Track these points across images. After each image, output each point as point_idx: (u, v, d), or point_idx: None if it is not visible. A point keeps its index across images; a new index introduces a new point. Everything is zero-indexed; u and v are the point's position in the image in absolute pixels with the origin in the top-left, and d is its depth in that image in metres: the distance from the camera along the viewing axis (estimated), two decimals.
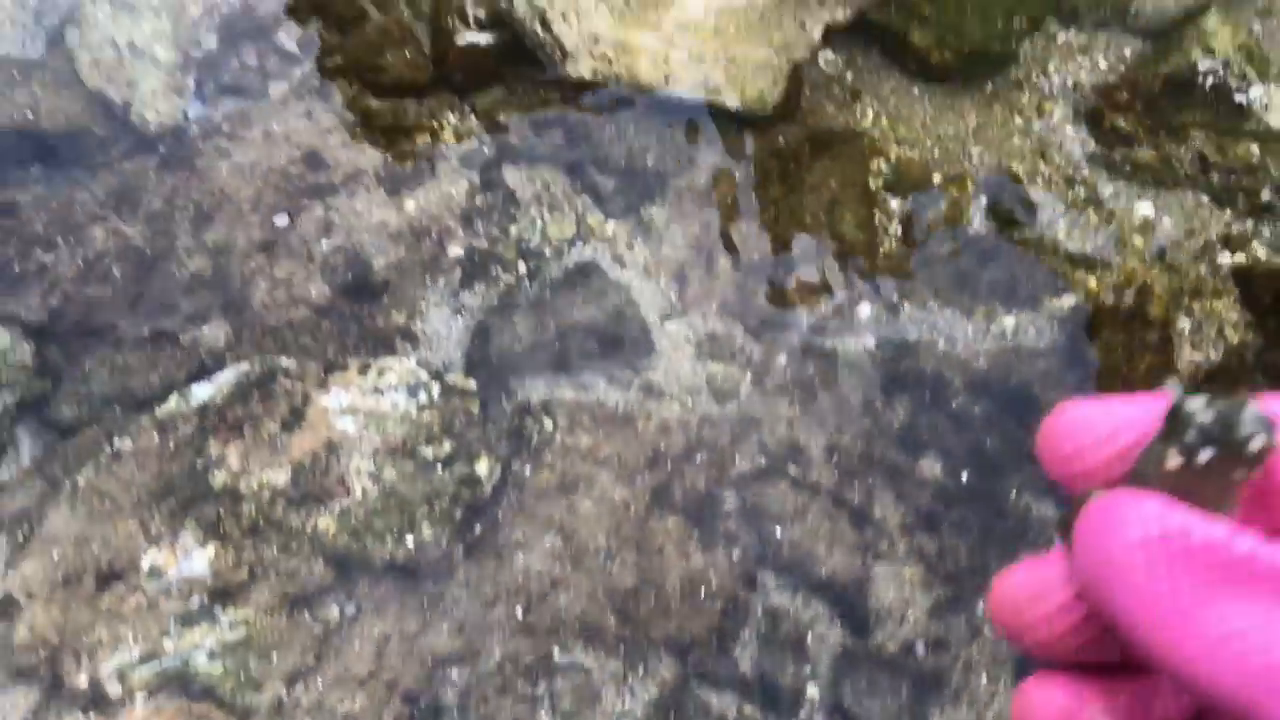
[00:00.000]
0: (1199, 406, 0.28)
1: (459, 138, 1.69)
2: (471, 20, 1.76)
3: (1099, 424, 0.30)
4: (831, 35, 1.84)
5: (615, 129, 1.71)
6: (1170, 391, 0.29)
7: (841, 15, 1.84)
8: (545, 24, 1.73)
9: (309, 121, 1.66)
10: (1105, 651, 0.31)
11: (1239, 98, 1.76)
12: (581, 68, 1.72)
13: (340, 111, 1.67)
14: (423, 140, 1.68)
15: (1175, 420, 0.28)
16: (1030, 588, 0.31)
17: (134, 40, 1.64)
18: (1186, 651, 0.26)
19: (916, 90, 1.84)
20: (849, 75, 1.85)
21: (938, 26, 1.83)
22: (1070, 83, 1.86)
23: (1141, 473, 0.29)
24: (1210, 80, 1.77)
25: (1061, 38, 1.91)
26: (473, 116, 1.71)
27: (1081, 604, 0.30)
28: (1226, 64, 1.77)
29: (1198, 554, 0.27)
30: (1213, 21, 1.83)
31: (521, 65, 1.74)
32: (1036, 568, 0.31)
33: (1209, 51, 1.78)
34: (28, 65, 1.63)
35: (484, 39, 1.74)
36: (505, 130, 1.69)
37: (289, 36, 1.73)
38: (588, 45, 1.72)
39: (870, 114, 1.82)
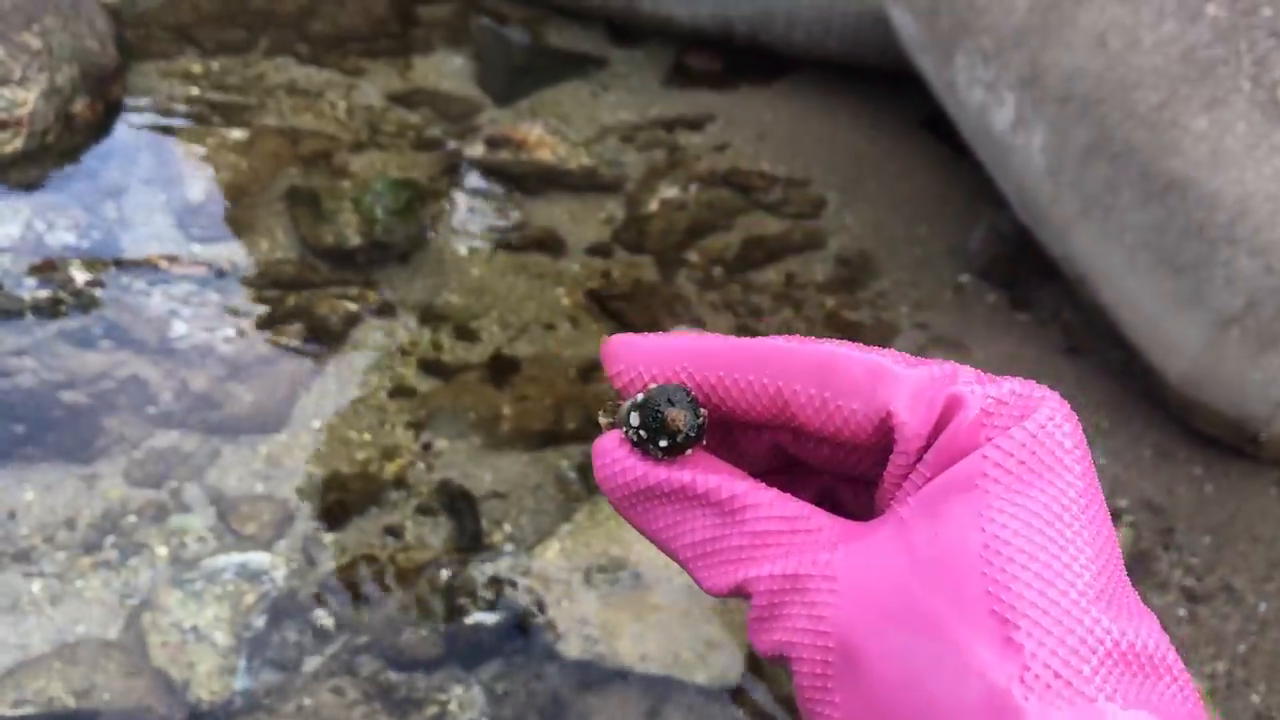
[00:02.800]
0: (636, 416, 0.34)
1: (462, 709, 1.96)
2: (480, 602, 2.09)
3: (632, 362, 0.36)
4: None
5: (598, 700, 1.99)
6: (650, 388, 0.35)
7: None
8: (542, 607, 2.06)
9: (336, 696, 1.95)
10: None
11: None
12: (571, 647, 2.02)
13: (363, 685, 1.97)
14: (432, 711, 1.96)
15: (632, 405, 0.35)
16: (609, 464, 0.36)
17: (198, 625, 1.97)
18: (655, 540, 0.35)
19: None
20: None
21: None
22: None
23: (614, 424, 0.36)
24: None
25: None
26: (477, 688, 2.00)
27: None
28: None
29: (634, 485, 0.34)
30: None
31: (519, 643, 2.05)
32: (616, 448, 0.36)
33: None
34: (107, 646, 1.95)
35: (489, 618, 2.07)
36: (503, 705, 1.98)
37: (325, 614, 2.05)
38: (577, 627, 2.04)
39: None
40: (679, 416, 0.33)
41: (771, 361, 0.34)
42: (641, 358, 0.36)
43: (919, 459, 0.31)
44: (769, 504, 0.33)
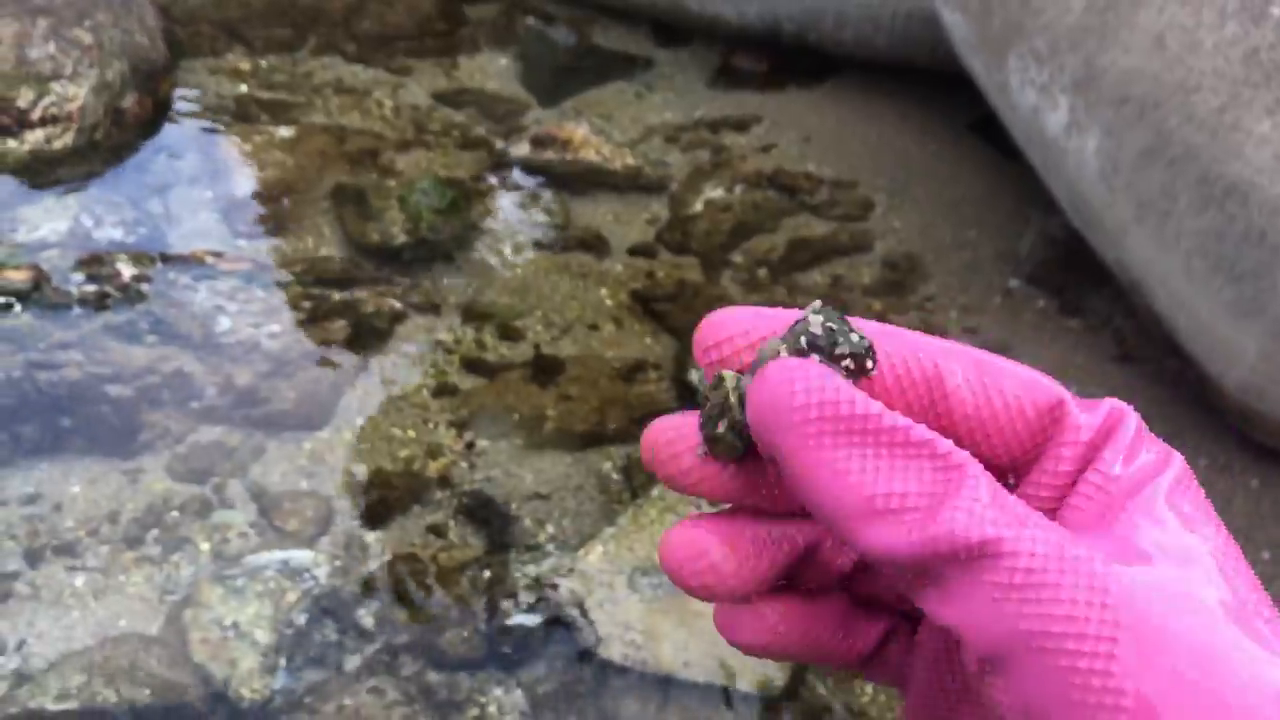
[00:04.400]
0: (817, 320, 0.30)
1: (502, 712, 1.95)
2: (521, 603, 2.07)
3: (741, 321, 0.32)
4: None
5: (640, 707, 1.97)
6: (809, 306, 0.32)
7: None
8: (584, 610, 2.04)
9: (377, 697, 1.93)
10: (754, 496, 0.33)
11: None
12: (613, 651, 2.00)
13: (404, 686, 1.95)
14: (472, 713, 1.94)
15: (795, 327, 0.31)
16: (674, 431, 0.33)
17: (239, 622, 1.96)
18: (822, 482, 0.29)
19: None
20: None
21: None
22: None
23: (759, 364, 0.31)
24: None
25: None
26: (517, 690, 1.98)
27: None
28: None
29: (838, 410, 0.29)
30: None
31: (560, 646, 2.02)
32: (684, 416, 0.33)
33: None
34: (148, 641, 1.95)
35: (531, 620, 2.05)
36: (544, 708, 1.96)
37: (367, 613, 2.04)
38: (620, 631, 2.02)
39: (869, 690, 2.07)
40: (856, 331, 0.30)
41: (926, 345, 0.32)
42: (773, 328, 0.32)
43: (1085, 452, 0.30)
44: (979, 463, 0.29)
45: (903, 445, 0.29)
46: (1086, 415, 0.31)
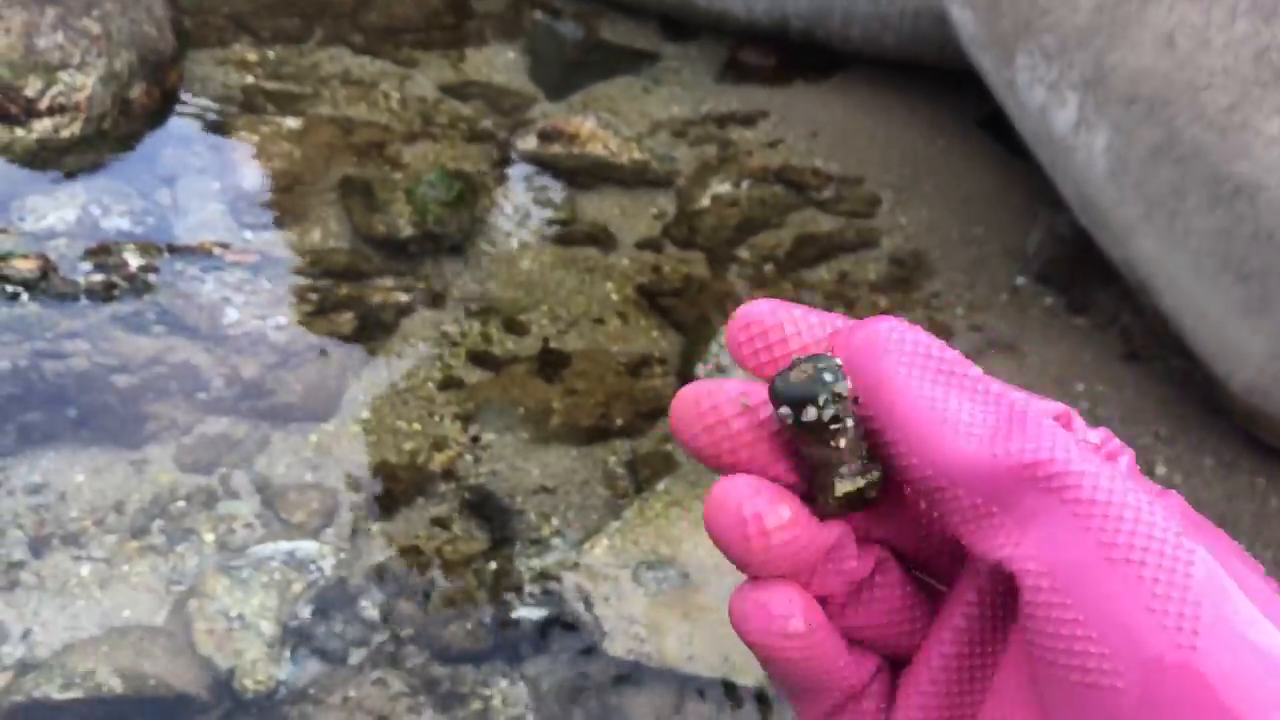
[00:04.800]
0: (787, 411, 0.30)
1: (506, 705, 1.95)
2: (526, 597, 2.08)
3: (785, 319, 0.33)
4: None
5: (644, 701, 1.97)
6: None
7: None
8: (588, 604, 2.04)
9: (381, 688, 1.94)
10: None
11: None
12: (617, 645, 2.00)
13: (408, 678, 1.96)
14: (476, 706, 1.94)
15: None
16: (714, 388, 0.32)
17: (244, 613, 1.97)
18: (940, 444, 0.30)
19: None
20: None
21: None
22: None
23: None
24: None
25: None
26: (521, 683, 1.98)
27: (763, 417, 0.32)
28: None
29: (936, 359, 0.31)
30: None
31: (565, 640, 2.03)
32: (716, 381, 0.33)
33: None
34: (153, 632, 1.95)
35: (535, 613, 2.05)
36: (548, 702, 1.96)
37: (371, 605, 2.05)
38: (624, 625, 2.02)
39: None
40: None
41: None
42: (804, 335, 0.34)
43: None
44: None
45: (984, 391, 0.31)
46: (1091, 429, 0.32)
